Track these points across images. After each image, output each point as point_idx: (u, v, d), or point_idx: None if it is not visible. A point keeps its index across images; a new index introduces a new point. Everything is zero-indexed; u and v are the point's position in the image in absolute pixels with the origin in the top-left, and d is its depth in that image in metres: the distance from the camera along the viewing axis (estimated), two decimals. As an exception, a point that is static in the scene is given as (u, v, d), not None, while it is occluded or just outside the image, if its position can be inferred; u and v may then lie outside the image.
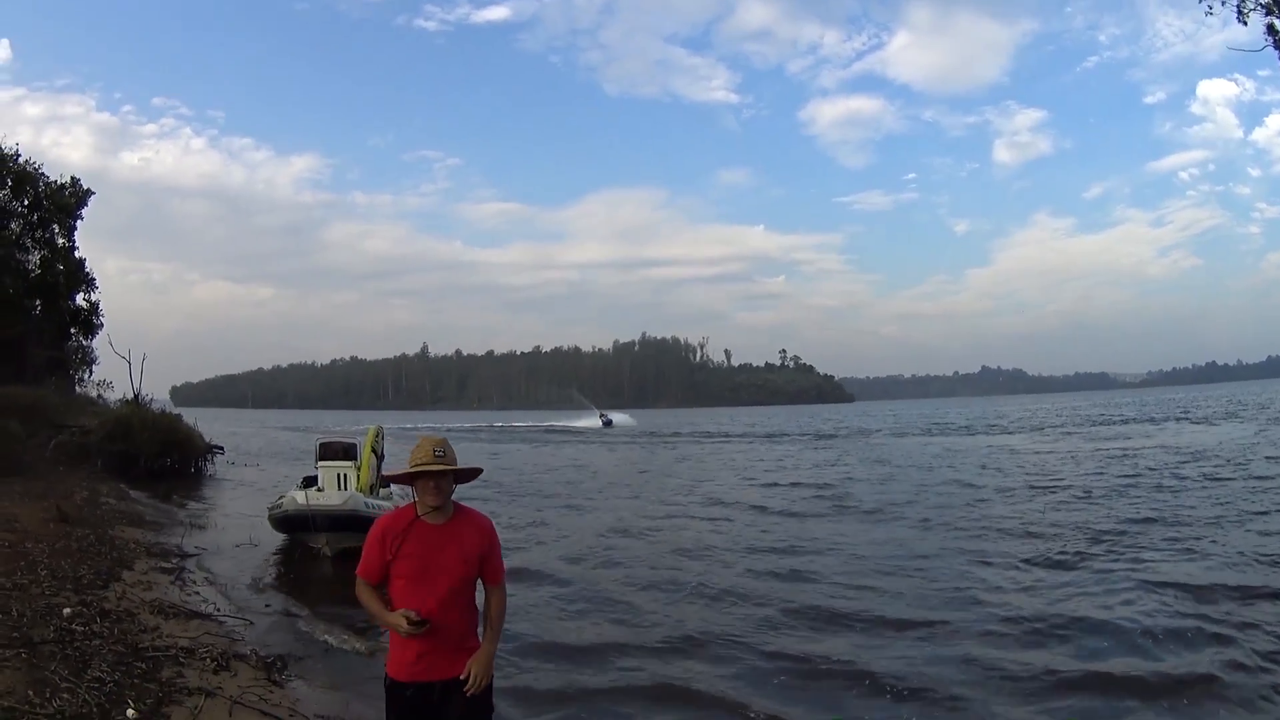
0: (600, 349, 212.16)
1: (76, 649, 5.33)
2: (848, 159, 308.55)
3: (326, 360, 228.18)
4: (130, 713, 4.37)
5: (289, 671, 6.26)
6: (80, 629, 5.86)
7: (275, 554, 11.65)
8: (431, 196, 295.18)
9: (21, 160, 27.99)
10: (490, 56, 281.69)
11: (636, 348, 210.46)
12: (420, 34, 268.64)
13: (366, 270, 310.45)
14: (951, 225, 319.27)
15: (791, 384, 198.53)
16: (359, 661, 6.98)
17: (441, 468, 3.07)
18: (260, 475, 23.39)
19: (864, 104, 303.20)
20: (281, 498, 11.90)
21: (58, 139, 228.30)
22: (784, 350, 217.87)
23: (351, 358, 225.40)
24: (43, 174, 28.61)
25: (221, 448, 24.52)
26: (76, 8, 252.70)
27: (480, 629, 3.22)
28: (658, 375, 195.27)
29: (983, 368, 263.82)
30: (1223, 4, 11.25)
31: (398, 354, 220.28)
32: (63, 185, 28.88)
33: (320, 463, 12.71)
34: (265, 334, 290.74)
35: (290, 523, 11.45)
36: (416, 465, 3.06)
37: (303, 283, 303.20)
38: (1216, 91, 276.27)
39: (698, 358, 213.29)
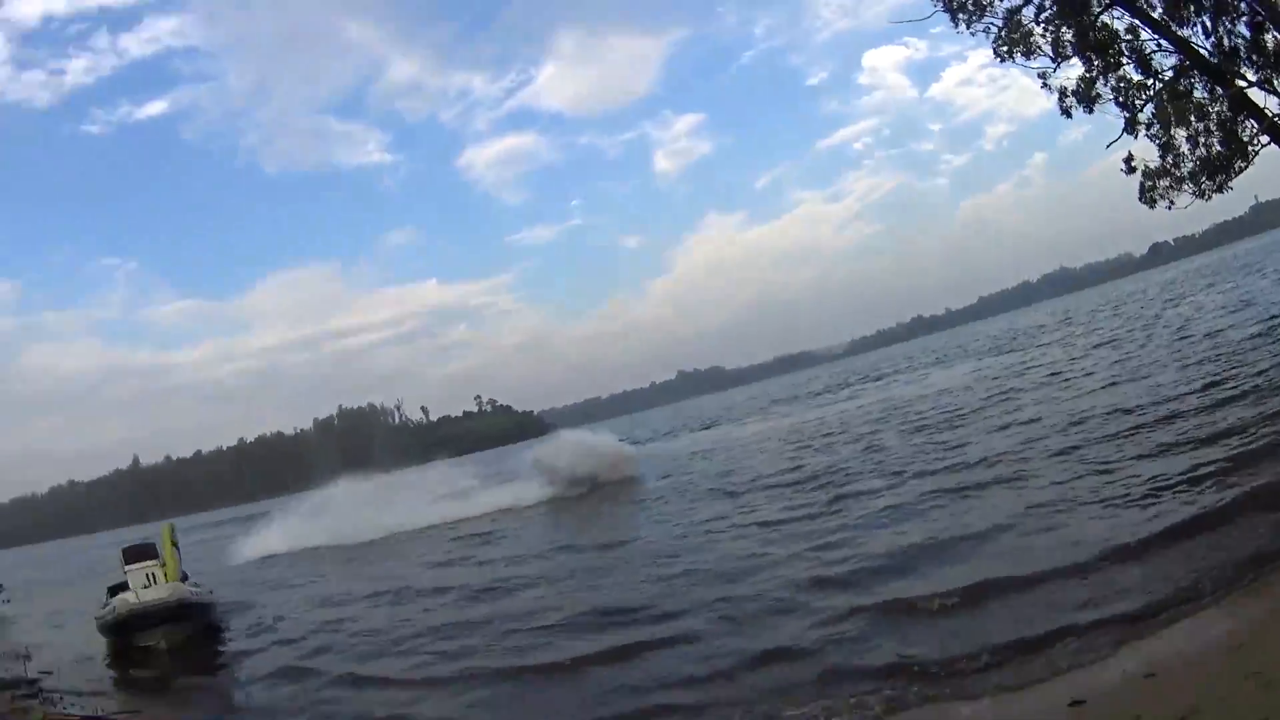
0: (302, 429, 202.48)
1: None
2: (510, 197, 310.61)
3: (45, 489, 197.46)
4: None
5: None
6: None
7: (115, 661, 12.57)
8: (115, 307, 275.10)
9: None
10: (155, 153, 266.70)
11: (336, 422, 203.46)
12: (87, 139, 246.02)
13: (69, 392, 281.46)
14: (623, 243, 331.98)
15: (494, 427, 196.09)
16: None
17: None
18: (48, 601, 23.96)
19: (519, 140, 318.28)
20: (108, 605, 12.61)
21: None
22: (479, 396, 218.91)
23: (69, 481, 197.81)
24: None
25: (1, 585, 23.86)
26: None
27: None
28: (364, 445, 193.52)
29: (679, 373, 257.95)
30: None
31: (111, 470, 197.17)
32: None
33: (127, 566, 13.39)
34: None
35: (124, 625, 11.97)
36: None
37: (7, 413, 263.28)
38: (885, 59, 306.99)
39: (397, 419, 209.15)
